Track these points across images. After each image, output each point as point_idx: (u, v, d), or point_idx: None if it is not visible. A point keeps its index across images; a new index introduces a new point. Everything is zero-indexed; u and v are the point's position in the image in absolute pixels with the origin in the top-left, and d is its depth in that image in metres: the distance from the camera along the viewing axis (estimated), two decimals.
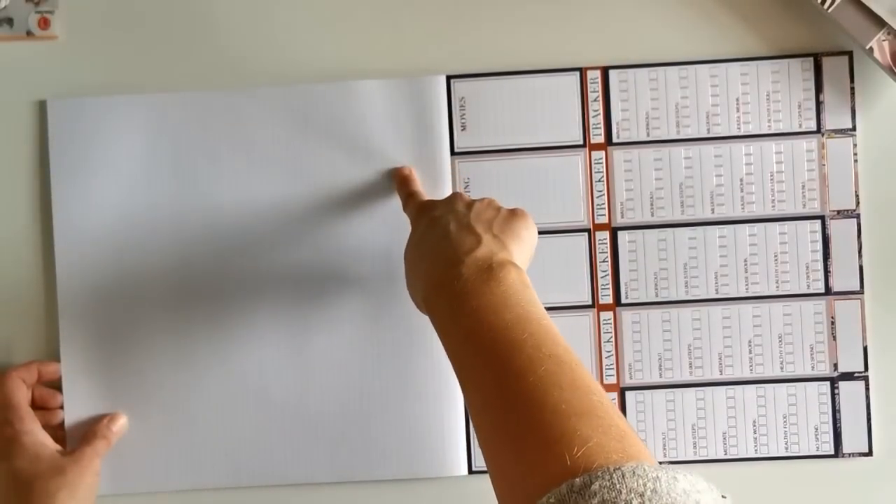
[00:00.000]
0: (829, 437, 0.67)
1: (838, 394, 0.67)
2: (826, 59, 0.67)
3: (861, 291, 0.67)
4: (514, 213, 0.56)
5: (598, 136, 0.67)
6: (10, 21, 0.67)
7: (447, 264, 0.52)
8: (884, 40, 0.64)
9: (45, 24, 0.67)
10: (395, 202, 0.66)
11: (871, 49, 0.64)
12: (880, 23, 0.63)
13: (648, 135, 0.67)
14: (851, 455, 0.67)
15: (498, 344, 0.47)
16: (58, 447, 0.63)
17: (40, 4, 0.67)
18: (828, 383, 0.67)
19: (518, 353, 0.46)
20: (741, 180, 0.67)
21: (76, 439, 0.65)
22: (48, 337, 0.67)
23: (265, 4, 0.67)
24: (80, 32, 0.67)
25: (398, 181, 0.65)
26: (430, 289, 0.53)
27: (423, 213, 0.58)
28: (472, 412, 0.47)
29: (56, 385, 0.66)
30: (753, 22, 0.67)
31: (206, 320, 0.66)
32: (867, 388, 0.67)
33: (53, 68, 0.67)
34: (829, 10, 0.64)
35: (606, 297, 0.67)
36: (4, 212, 0.67)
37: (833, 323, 0.67)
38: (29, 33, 0.67)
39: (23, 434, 0.62)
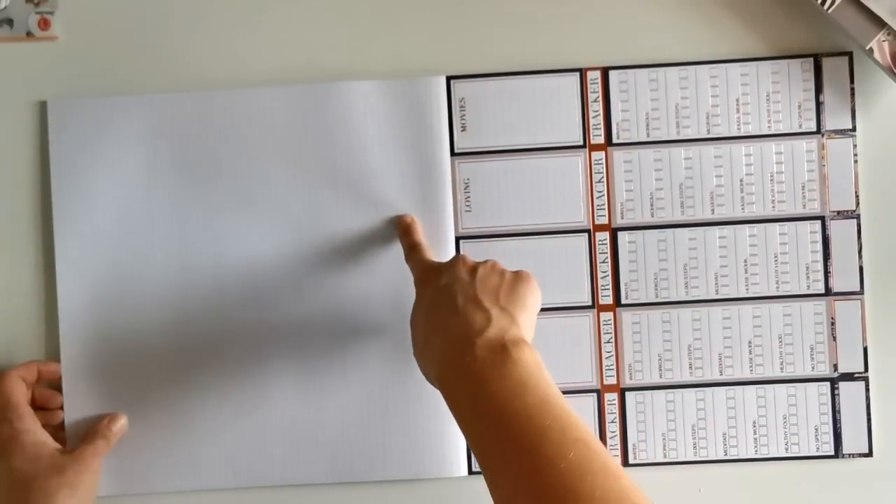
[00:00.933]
0: (830, 437, 0.67)
1: (838, 394, 0.67)
2: (826, 60, 0.67)
3: (861, 292, 0.67)
4: (518, 278, 0.56)
5: (598, 137, 0.67)
6: (10, 21, 0.67)
7: (459, 344, 0.52)
8: (884, 41, 0.64)
9: (45, 24, 0.67)
10: (395, 207, 0.66)
11: (871, 49, 0.64)
12: (880, 23, 0.63)
13: (648, 135, 0.67)
14: (851, 455, 0.67)
15: (525, 431, 0.47)
16: (57, 446, 0.63)
17: (40, 5, 0.67)
18: (828, 384, 0.67)
19: (546, 440, 0.46)
20: (741, 181, 0.67)
21: (76, 439, 0.65)
22: (48, 337, 0.67)
23: (264, 4, 0.67)
24: (80, 32, 0.67)
25: (400, 230, 0.65)
26: (444, 368, 0.52)
27: (428, 281, 0.58)
28: (499, 497, 0.47)
29: (56, 385, 0.66)
30: (753, 22, 0.67)
31: (206, 319, 0.66)
32: (867, 389, 0.67)
33: (53, 68, 0.67)
34: (829, 10, 0.64)
35: (606, 298, 0.67)
36: (4, 212, 0.67)
37: (833, 323, 0.67)
38: (29, 34, 0.67)
39: (22, 433, 0.62)
